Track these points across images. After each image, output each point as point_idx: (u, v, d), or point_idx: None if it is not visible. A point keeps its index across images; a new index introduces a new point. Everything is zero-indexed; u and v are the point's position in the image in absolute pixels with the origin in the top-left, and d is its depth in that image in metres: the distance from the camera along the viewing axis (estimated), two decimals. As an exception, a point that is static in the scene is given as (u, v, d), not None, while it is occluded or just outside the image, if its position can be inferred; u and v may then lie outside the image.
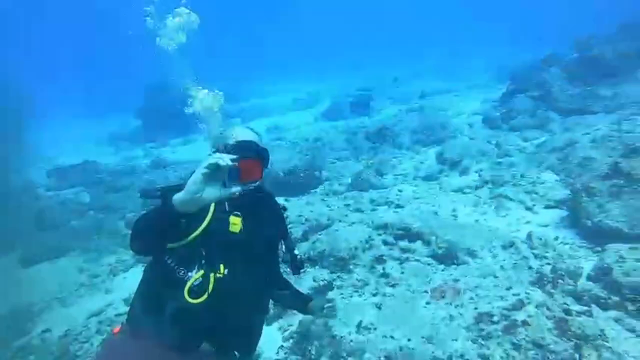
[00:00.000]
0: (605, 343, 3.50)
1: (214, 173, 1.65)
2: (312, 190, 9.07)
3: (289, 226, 6.96)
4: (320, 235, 6.21)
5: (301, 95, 22.07)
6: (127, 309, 5.36)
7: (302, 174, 8.89)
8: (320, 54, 39.41)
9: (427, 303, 4.28)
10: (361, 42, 43.27)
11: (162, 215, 1.74)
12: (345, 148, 11.53)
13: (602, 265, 4.59)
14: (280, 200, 8.49)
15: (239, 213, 2.10)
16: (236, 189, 1.71)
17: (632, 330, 3.75)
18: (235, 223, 2.06)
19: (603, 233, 5.22)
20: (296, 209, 7.90)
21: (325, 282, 4.95)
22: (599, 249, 5.10)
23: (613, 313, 4.03)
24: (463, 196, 7.50)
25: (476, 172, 8.32)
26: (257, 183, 2.00)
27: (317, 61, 34.52)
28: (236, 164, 1.67)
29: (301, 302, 2.51)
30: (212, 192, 1.66)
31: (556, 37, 15.87)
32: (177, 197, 1.65)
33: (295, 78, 28.31)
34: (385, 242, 5.93)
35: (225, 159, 1.63)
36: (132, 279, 6.65)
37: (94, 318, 5.71)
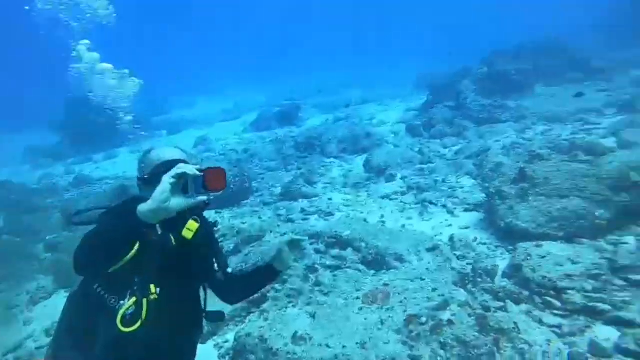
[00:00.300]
0: (519, 335, 3.83)
1: (181, 183, 1.66)
2: (243, 202, 9.01)
3: (220, 240, 6.88)
4: (252, 247, 6.19)
5: (229, 106, 21.82)
6: (49, 340, 4.94)
7: (232, 186, 8.78)
8: (247, 63, 39.22)
9: (360, 309, 4.41)
10: (289, 52, 43.71)
11: (129, 225, 1.66)
12: (275, 158, 11.57)
13: (514, 263, 5.02)
14: (211, 213, 8.33)
15: (197, 218, 2.06)
16: (202, 198, 1.74)
17: (539, 321, 4.13)
18: (191, 229, 2.01)
19: (514, 233, 5.69)
20: (228, 222, 7.82)
21: (259, 294, 4.92)
22: (512, 248, 5.56)
23: (524, 307, 4.43)
24: (390, 202, 7.83)
25: (401, 178, 8.73)
26: (221, 192, 1.98)
27: (245, 71, 34.31)
28: (202, 173, 1.72)
29: (267, 271, 2.45)
30: (178, 201, 1.66)
31: (469, 52, 17.18)
32: (143, 207, 1.62)
33: (223, 88, 27.91)
34: (317, 251, 6.05)
35: (192, 169, 1.67)
36: (53, 307, 6.12)
37: (11, 355, 5.18)
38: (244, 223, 7.63)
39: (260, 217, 7.88)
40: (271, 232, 6.74)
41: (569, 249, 5.03)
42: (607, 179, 5.54)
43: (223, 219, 8.10)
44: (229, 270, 2.41)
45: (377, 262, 5.59)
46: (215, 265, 2.32)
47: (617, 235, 5.19)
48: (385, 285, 4.80)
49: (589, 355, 3.59)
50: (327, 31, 53.46)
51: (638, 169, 5.84)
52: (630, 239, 5.04)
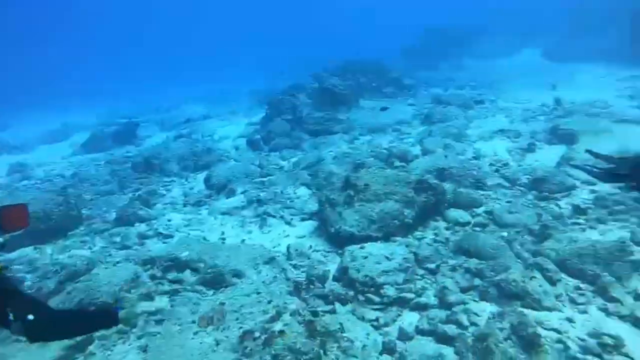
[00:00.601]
0: (343, 334, 4.21)
1: None
2: (70, 233, 8.11)
3: (37, 280, 6.09)
4: (77, 283, 5.63)
5: (55, 126, 19.48)
6: None
7: (54, 217, 7.85)
8: (78, 80, 35.27)
9: (195, 333, 4.36)
10: (123, 68, 40.65)
11: None
12: (109, 181, 10.69)
13: (342, 266, 5.49)
14: (28, 250, 7.31)
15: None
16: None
17: (362, 318, 4.60)
18: None
19: (343, 238, 6.19)
20: (50, 257, 6.98)
21: (84, 335, 4.50)
22: (341, 251, 6.04)
23: (350, 306, 4.86)
24: (231, 218, 7.87)
25: (242, 193, 8.83)
26: (22, 231, 1.77)
27: (75, 88, 30.81)
28: None
29: (106, 317, 2.28)
30: None
31: (302, 68, 18.37)
32: None
33: (48, 107, 24.70)
34: (153, 277, 5.78)
35: None
36: None
37: None
38: (70, 257, 6.90)
39: (90, 248, 7.22)
40: (101, 263, 6.23)
41: (386, 247, 5.67)
42: (412, 182, 6.44)
43: (44, 255, 7.20)
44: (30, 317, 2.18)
45: (216, 281, 5.57)
46: (11, 315, 2.08)
47: (421, 230, 6.09)
48: (222, 304, 4.83)
49: (397, 340, 4.14)
50: (168, 47, 51.18)
51: (433, 172, 6.93)
52: (429, 233, 5.96)
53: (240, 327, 4.37)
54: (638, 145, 7.42)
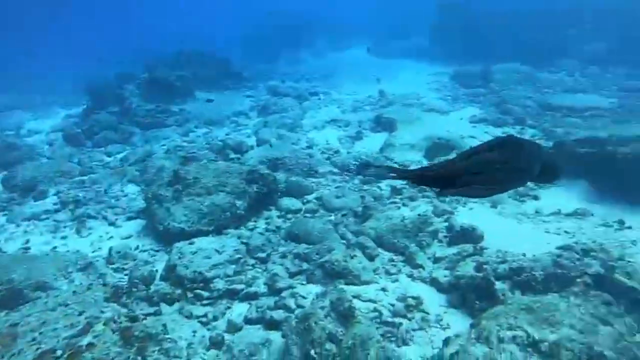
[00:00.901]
0: (167, 336, 3.88)
1: None
2: None
3: None
4: None
5: None
6: None
7: None
8: None
9: (-29, 367, 3.56)
10: None
11: None
12: None
13: (169, 264, 5.10)
14: None
15: None
16: None
17: (190, 316, 4.32)
18: None
19: (172, 235, 5.77)
20: None
21: None
22: (170, 249, 5.63)
23: (177, 305, 4.54)
24: (39, 223, 6.79)
25: (55, 194, 7.69)
26: None
27: None
28: None
29: None
30: None
31: (127, 57, 16.90)
32: None
33: None
34: None
35: None
36: None
37: None
38: None
39: None
40: None
41: (217, 241, 5.46)
42: (243, 173, 6.32)
43: None
44: None
45: (11, 299, 4.70)
46: None
47: (253, 220, 6.02)
48: (13, 326, 4.05)
49: (225, 333, 3.98)
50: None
51: (267, 162, 6.93)
52: (262, 223, 5.93)
53: (38, 349, 3.71)
54: (441, 130, 8.55)
